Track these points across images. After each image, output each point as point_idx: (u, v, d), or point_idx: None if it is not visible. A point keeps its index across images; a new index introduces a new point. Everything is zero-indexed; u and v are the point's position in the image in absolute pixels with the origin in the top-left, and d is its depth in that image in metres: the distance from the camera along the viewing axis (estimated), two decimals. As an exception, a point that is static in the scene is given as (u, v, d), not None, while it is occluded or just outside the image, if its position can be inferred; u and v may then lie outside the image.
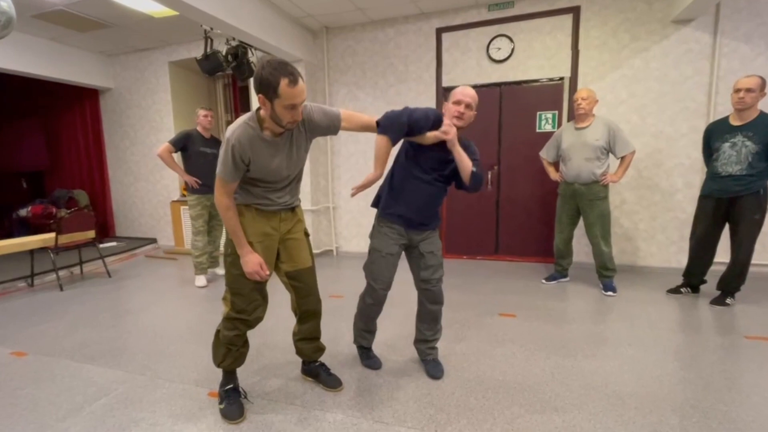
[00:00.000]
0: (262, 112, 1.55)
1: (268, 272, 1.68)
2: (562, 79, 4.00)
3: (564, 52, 3.93)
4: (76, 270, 4.37)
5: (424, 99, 4.43)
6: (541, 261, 4.30)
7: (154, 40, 5.02)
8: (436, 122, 1.80)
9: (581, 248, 3.97)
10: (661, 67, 3.67)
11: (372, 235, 2.01)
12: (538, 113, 4.11)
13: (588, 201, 3.26)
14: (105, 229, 5.98)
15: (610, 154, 3.23)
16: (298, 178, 1.79)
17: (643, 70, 3.73)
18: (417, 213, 1.91)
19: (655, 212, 3.86)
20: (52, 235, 3.76)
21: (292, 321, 1.98)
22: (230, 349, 1.77)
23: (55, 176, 6.12)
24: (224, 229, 1.73)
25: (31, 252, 3.86)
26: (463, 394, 1.90)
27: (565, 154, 3.33)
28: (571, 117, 3.77)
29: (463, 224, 4.55)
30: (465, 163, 1.80)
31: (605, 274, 3.34)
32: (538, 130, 4.14)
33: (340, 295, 3.36)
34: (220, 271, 4.16)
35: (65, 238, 3.89)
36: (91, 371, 2.22)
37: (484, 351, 2.35)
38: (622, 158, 3.19)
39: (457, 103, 1.81)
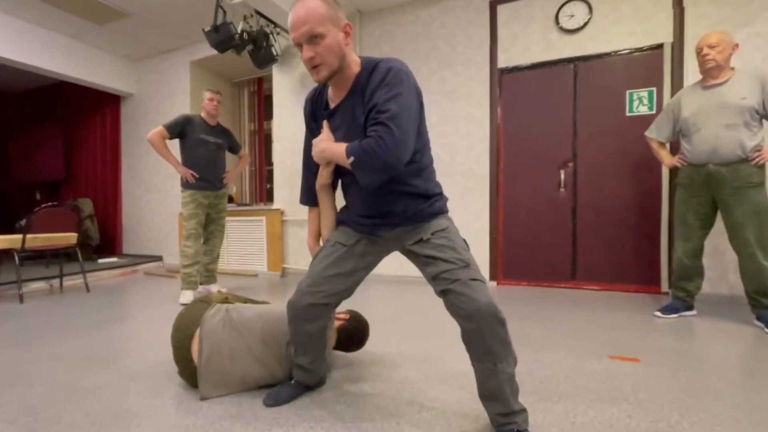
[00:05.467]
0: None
1: None
2: (660, 46, 3.04)
3: (663, 12, 3.01)
4: (60, 283, 3.70)
5: (476, 84, 3.60)
6: (641, 291, 3.12)
7: (175, 37, 4.64)
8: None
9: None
10: (812, 19, 2.66)
11: None
12: (628, 92, 3.14)
13: (733, 189, 2.17)
14: (112, 245, 5.42)
15: (764, 121, 2.19)
16: None
17: (783, 25, 2.72)
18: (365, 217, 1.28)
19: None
20: (19, 236, 3.13)
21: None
22: None
23: (71, 187, 5.75)
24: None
25: (-1, 255, 3.25)
26: None
27: (688, 124, 2.31)
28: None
29: (525, 240, 3.49)
30: (339, 159, 1.13)
31: (765, 302, 2.17)
32: (628, 114, 3.14)
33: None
34: (216, 288, 3.33)
35: (38, 240, 3.25)
36: (-56, 412, 1.36)
37: (614, 422, 1.26)
38: (787, 125, 2.13)
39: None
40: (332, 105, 1.22)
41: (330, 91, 1.24)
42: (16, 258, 3.08)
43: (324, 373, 1.47)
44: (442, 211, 1.23)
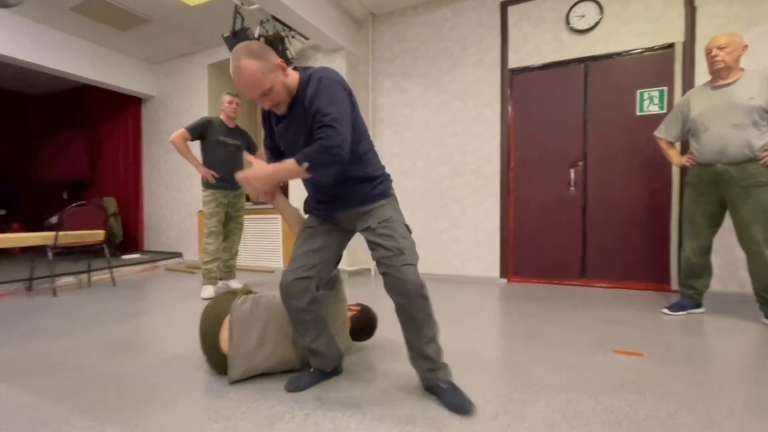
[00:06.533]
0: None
1: None
2: (671, 45, 3.06)
3: (674, 11, 3.03)
4: (88, 278, 3.89)
5: (485, 84, 3.66)
6: (650, 288, 3.15)
7: (194, 40, 4.80)
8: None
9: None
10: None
11: None
12: (639, 92, 3.16)
13: (741, 188, 2.20)
14: (134, 242, 5.64)
15: (773, 121, 2.21)
16: None
17: (796, 23, 2.72)
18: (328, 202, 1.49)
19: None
20: (52, 233, 3.31)
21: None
22: None
23: (95, 186, 5.99)
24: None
25: (31, 251, 3.44)
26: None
27: (697, 124, 2.34)
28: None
29: (535, 238, 3.55)
30: (293, 173, 1.25)
31: (774, 300, 2.20)
32: (638, 113, 3.17)
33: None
34: (235, 283, 3.47)
35: (70, 237, 3.44)
36: (-2, 392, 1.51)
37: (614, 410, 1.34)
38: (796, 125, 2.14)
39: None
40: (280, 113, 1.39)
41: None
42: (50, 254, 3.27)
43: (336, 356, 1.57)
44: (385, 195, 1.43)
